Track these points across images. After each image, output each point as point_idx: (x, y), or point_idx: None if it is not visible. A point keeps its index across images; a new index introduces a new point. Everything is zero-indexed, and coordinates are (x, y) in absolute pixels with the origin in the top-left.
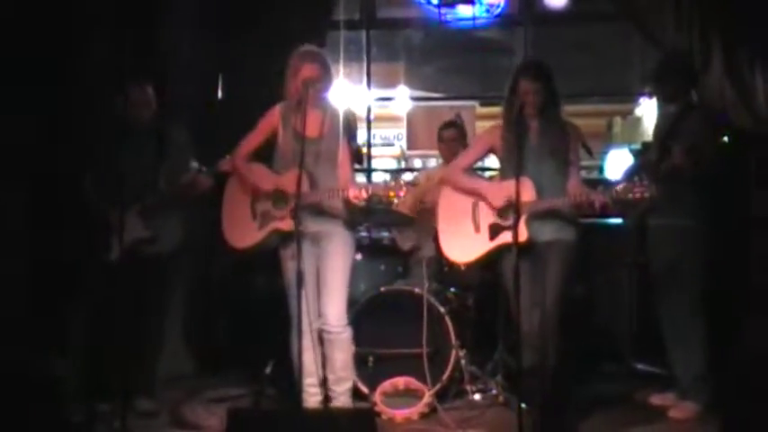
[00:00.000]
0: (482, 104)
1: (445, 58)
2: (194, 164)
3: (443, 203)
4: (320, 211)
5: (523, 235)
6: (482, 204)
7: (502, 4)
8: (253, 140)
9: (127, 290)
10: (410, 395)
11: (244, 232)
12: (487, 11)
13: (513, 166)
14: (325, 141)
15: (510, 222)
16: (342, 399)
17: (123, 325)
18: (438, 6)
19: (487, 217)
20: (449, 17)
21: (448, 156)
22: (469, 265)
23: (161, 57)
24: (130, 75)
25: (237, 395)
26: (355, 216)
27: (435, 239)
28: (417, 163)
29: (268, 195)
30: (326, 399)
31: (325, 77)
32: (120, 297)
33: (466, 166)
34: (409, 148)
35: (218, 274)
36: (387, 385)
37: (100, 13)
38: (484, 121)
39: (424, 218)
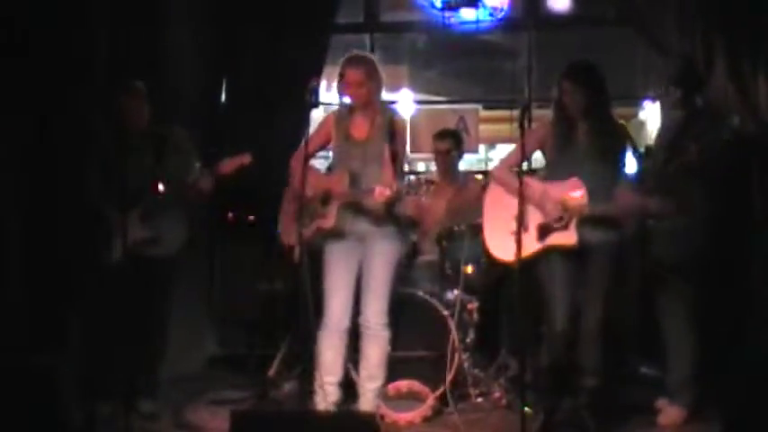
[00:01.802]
0: (485, 108)
1: (449, 62)
2: (197, 165)
3: (490, 201)
4: (363, 212)
5: (572, 238)
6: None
7: (505, 7)
8: (311, 144)
9: (129, 291)
10: (413, 398)
11: (293, 229)
12: (491, 15)
13: (561, 169)
14: (371, 144)
15: (561, 224)
16: (369, 396)
17: (126, 326)
18: (442, 10)
19: (536, 217)
20: (452, 21)
21: (442, 166)
22: (474, 269)
23: (163, 58)
24: (123, 80)
25: (241, 397)
26: (399, 216)
27: (438, 242)
28: (421, 166)
29: (317, 195)
30: (354, 395)
31: (367, 82)
32: (123, 298)
33: (514, 164)
34: (412, 151)
35: (225, 277)
36: (390, 388)
37: (100, 13)
38: (487, 124)
39: (425, 221)
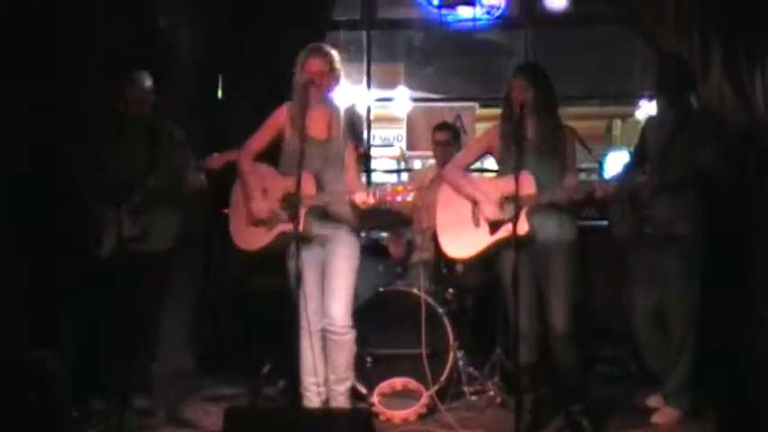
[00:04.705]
0: (482, 106)
1: (445, 60)
2: (192, 161)
3: (442, 201)
4: (327, 215)
5: (524, 228)
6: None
7: (502, 5)
8: (259, 140)
9: (121, 288)
10: (408, 396)
11: (252, 234)
12: (488, 12)
13: (511, 165)
14: (334, 143)
15: (510, 216)
16: (340, 399)
17: (119, 323)
18: (439, 7)
19: (487, 212)
20: (449, 18)
21: (441, 157)
22: (468, 266)
23: (160, 54)
24: (129, 70)
25: (235, 394)
26: (362, 220)
27: (434, 240)
28: (417, 164)
29: (276, 197)
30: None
31: (329, 74)
32: (114, 295)
33: (464, 165)
34: (409, 148)
35: (219, 274)
36: (385, 386)
37: (98, 8)
38: (484, 122)
39: (421, 218)
